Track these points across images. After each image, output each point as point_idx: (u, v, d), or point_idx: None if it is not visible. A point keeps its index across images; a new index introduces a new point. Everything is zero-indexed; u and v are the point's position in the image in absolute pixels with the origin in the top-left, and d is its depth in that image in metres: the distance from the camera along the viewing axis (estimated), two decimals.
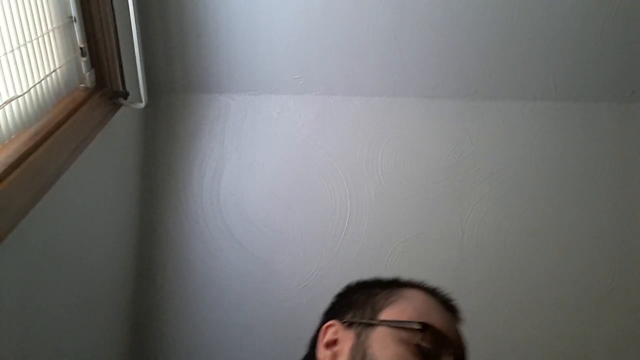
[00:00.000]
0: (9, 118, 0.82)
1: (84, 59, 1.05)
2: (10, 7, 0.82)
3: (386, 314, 0.63)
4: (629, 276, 1.40)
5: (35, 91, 0.90)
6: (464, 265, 1.40)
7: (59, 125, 0.91)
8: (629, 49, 1.33)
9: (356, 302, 0.68)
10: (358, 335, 0.62)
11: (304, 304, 1.40)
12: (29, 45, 0.87)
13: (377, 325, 0.62)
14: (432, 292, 0.69)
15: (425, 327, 0.60)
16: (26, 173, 0.79)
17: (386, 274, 1.43)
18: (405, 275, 1.43)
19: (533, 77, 1.39)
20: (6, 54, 0.81)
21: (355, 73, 1.38)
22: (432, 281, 1.49)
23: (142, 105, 1.21)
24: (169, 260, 1.42)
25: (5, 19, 0.81)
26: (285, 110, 1.43)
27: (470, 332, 1.42)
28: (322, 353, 0.64)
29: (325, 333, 0.65)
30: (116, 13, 1.08)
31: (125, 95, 1.15)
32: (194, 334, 1.42)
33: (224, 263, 1.41)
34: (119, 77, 1.12)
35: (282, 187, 1.42)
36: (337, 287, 1.46)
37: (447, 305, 0.69)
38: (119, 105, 1.16)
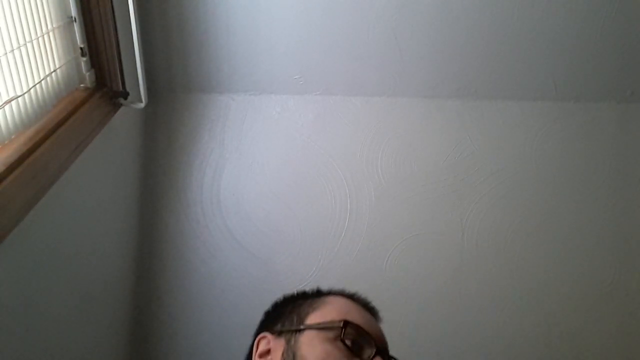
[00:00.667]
0: (9, 118, 0.82)
1: (84, 59, 1.05)
2: (10, 7, 0.82)
3: (311, 319, 0.70)
4: (629, 276, 1.40)
5: (35, 91, 0.90)
6: (464, 265, 1.40)
7: (59, 125, 0.91)
8: (629, 49, 1.33)
9: (283, 313, 0.74)
10: (288, 341, 0.68)
11: None
12: (29, 45, 0.87)
13: (304, 329, 0.68)
14: (351, 297, 0.76)
15: (346, 324, 0.66)
16: (26, 173, 0.79)
17: (386, 274, 1.44)
18: (405, 275, 1.44)
19: (533, 77, 1.39)
20: (6, 54, 0.81)
21: (355, 73, 1.38)
22: (432, 281, 1.49)
23: (142, 105, 1.21)
24: (169, 260, 1.42)
25: (5, 19, 0.81)
26: (285, 110, 1.43)
27: (470, 332, 1.42)
28: None
29: (258, 345, 0.71)
30: (116, 13, 1.08)
31: (125, 95, 1.15)
32: (194, 333, 1.42)
33: (224, 263, 1.41)
34: (119, 77, 1.12)
35: (282, 187, 1.42)
36: (337, 287, 1.46)
37: (366, 307, 0.75)
38: (119, 105, 1.16)
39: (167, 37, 1.33)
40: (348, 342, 0.65)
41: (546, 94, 1.41)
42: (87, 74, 1.07)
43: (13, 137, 0.83)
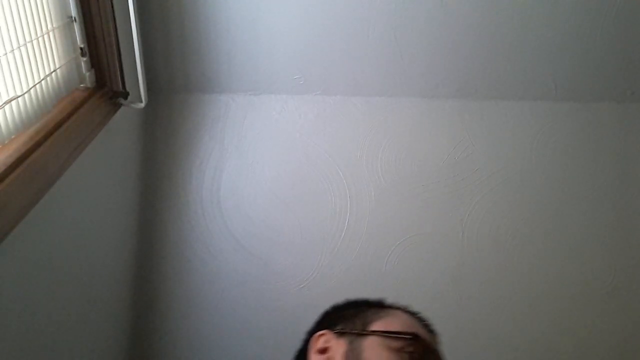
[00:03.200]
0: (9, 118, 0.82)
1: (84, 59, 1.05)
2: (10, 7, 0.82)
3: (375, 326, 0.71)
4: (628, 276, 1.40)
5: (35, 91, 0.90)
6: (464, 265, 1.40)
7: (59, 125, 0.91)
8: (629, 49, 1.33)
9: (345, 316, 0.76)
10: (350, 343, 0.69)
11: (304, 304, 1.40)
12: (29, 45, 0.87)
13: (369, 335, 0.69)
14: (414, 315, 0.76)
15: (415, 337, 0.68)
16: (26, 173, 0.79)
17: (386, 274, 1.44)
18: (405, 275, 1.44)
19: (533, 77, 1.39)
20: (6, 54, 0.81)
21: (355, 73, 1.38)
22: (432, 281, 1.49)
23: (142, 105, 1.21)
24: (169, 260, 1.42)
25: (5, 19, 0.81)
26: (285, 110, 1.43)
27: (470, 332, 1.42)
28: (316, 358, 0.70)
29: (317, 341, 0.72)
30: (116, 13, 1.08)
31: (125, 95, 1.15)
32: (194, 333, 1.42)
33: (224, 263, 1.41)
34: (119, 77, 1.12)
35: (282, 187, 1.42)
36: (337, 287, 1.46)
37: (427, 328, 0.76)
38: (119, 105, 1.16)
39: (167, 37, 1.33)
40: (414, 356, 0.66)
41: (546, 94, 1.41)
42: (87, 74, 1.07)
43: (13, 137, 0.83)
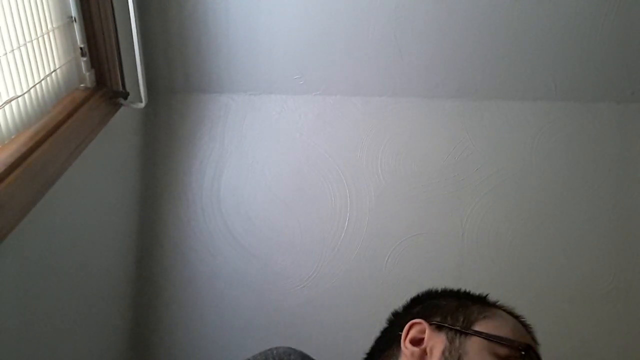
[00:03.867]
0: (9, 118, 0.82)
1: (84, 59, 1.05)
2: (10, 7, 0.82)
3: (481, 327, 0.64)
4: (629, 276, 1.39)
5: (35, 91, 0.90)
6: (464, 265, 1.40)
7: (59, 125, 0.91)
8: (629, 49, 1.33)
9: (446, 307, 0.69)
10: (451, 341, 0.63)
11: (304, 304, 1.40)
12: (29, 45, 0.87)
13: (473, 335, 0.63)
14: (521, 320, 0.70)
15: (528, 348, 0.62)
16: (26, 173, 0.79)
17: (386, 274, 1.44)
18: (405, 275, 1.44)
19: (533, 77, 1.39)
20: (6, 54, 0.81)
21: (355, 73, 1.38)
22: (432, 281, 1.48)
23: (142, 105, 1.21)
24: (168, 260, 1.42)
25: (5, 19, 0.81)
26: (285, 110, 1.43)
27: None
28: (409, 348, 0.64)
29: (409, 329, 0.66)
30: (116, 13, 1.08)
31: (125, 95, 1.15)
32: (194, 333, 1.42)
33: (224, 263, 1.41)
34: (119, 77, 1.12)
35: (282, 187, 1.42)
36: (337, 287, 1.46)
37: (532, 335, 0.70)
38: (119, 105, 1.16)
39: (167, 37, 1.33)
40: None
41: (546, 94, 1.41)
42: (87, 74, 1.07)
43: (13, 137, 0.83)
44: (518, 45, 1.33)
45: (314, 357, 0.71)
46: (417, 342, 0.65)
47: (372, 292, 1.39)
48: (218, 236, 1.41)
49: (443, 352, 0.62)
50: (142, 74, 1.18)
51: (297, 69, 1.38)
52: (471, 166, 1.42)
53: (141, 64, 1.16)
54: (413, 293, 1.38)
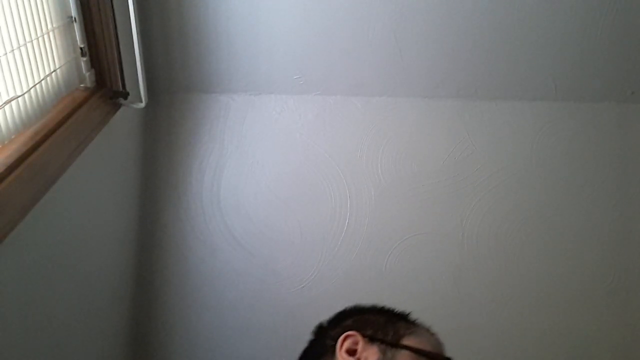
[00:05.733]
0: (9, 118, 0.82)
1: (84, 59, 1.05)
2: (10, 7, 0.82)
3: (409, 341, 0.71)
4: (629, 276, 1.40)
5: (35, 91, 0.90)
6: (464, 265, 1.40)
7: (59, 125, 0.91)
8: (629, 49, 1.33)
9: (375, 321, 0.75)
10: (383, 353, 0.69)
11: (303, 304, 1.40)
12: (29, 45, 0.87)
13: (403, 349, 0.69)
14: (437, 337, 0.77)
15: None
16: (26, 173, 0.79)
17: (386, 274, 1.44)
18: (405, 275, 1.44)
19: (533, 77, 1.39)
20: (6, 54, 0.81)
21: (355, 73, 1.38)
22: (432, 281, 1.49)
23: (142, 105, 1.21)
24: (168, 260, 1.42)
25: (5, 19, 0.81)
26: (285, 110, 1.43)
27: (470, 331, 1.42)
28: (345, 358, 0.69)
29: (345, 340, 0.71)
30: (116, 13, 1.08)
31: (125, 95, 1.15)
32: (193, 333, 1.42)
33: (224, 263, 1.41)
34: (119, 77, 1.12)
35: (282, 187, 1.42)
36: (337, 287, 1.46)
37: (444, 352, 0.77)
38: (119, 105, 1.16)
39: (167, 37, 1.33)
40: None
41: (546, 94, 1.41)
42: (87, 74, 1.07)
43: (13, 137, 0.83)
44: (518, 45, 1.33)
45: None
46: (351, 352, 0.70)
47: (372, 292, 1.39)
48: (218, 236, 1.41)
49: None
50: (142, 74, 1.18)
51: (297, 69, 1.38)
52: (471, 166, 1.42)
53: (141, 64, 1.16)
54: (413, 292, 1.39)
